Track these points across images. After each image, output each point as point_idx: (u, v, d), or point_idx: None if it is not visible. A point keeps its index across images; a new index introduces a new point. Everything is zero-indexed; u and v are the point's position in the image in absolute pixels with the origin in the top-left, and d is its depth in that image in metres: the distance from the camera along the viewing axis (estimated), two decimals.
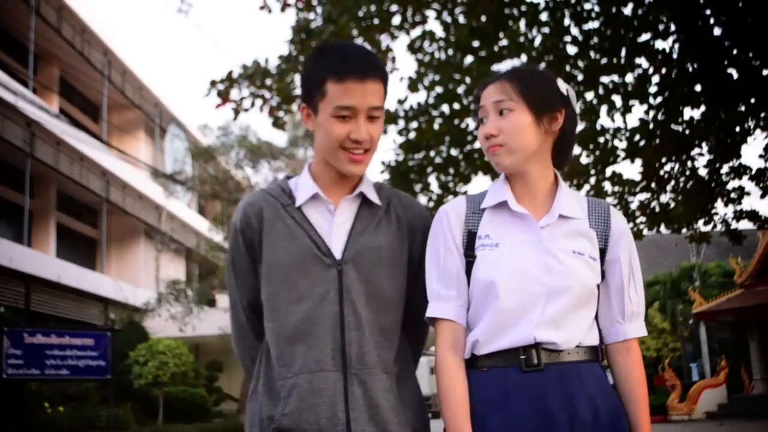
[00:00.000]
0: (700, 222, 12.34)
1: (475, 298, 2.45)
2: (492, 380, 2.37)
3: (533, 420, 2.28)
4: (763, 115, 10.74)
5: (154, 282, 32.70)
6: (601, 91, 10.55)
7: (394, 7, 10.66)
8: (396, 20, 10.74)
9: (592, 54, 9.78)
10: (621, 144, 10.88)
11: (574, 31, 10.05)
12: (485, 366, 2.40)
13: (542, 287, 2.36)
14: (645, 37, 10.14)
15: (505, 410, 2.32)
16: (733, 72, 9.98)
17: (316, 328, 2.41)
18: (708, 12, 9.65)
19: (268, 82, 10.29)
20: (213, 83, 10.47)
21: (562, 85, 2.54)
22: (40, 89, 25.01)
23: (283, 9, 10.53)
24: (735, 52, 9.92)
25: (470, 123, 11.41)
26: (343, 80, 2.42)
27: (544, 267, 2.38)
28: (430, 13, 10.90)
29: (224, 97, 10.62)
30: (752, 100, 10.20)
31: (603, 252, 2.48)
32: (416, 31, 10.96)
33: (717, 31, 9.93)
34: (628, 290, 2.48)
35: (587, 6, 10.01)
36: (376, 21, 10.53)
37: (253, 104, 10.51)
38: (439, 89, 11.21)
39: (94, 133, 29.25)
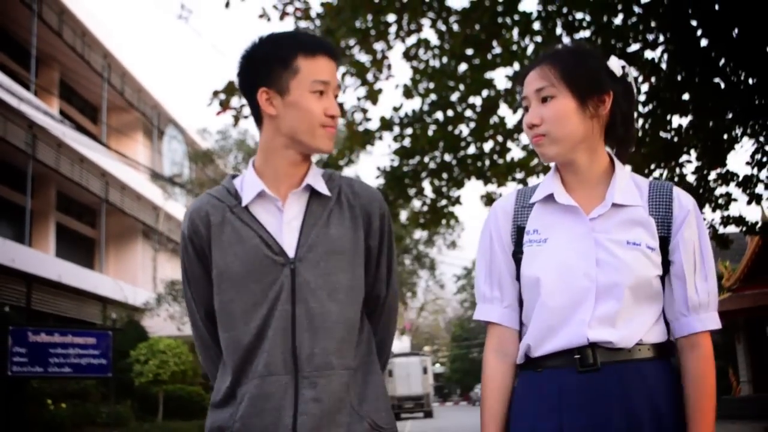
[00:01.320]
0: None
1: (525, 297, 2.36)
2: (546, 381, 2.26)
3: (589, 422, 2.17)
4: (750, 123, 11.05)
5: (152, 281, 32.92)
6: None
7: (390, 18, 10.98)
8: (392, 29, 10.98)
9: None
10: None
11: (566, 40, 10.24)
12: (540, 367, 2.29)
13: (592, 283, 2.23)
14: (635, 47, 10.41)
15: (559, 412, 2.21)
16: (720, 82, 10.22)
17: (270, 331, 2.34)
18: (695, 23, 9.86)
19: None
20: (215, 93, 10.80)
21: (614, 63, 2.39)
22: (41, 91, 25.25)
23: (281, 18, 10.82)
24: (722, 62, 10.14)
25: (463, 129, 11.84)
26: (315, 56, 2.40)
27: (593, 261, 2.26)
28: (426, 22, 11.17)
29: (225, 105, 10.92)
30: (739, 109, 10.45)
31: (665, 240, 2.31)
32: (412, 39, 11.32)
33: (704, 42, 10.12)
34: (693, 278, 2.28)
35: (578, 15, 10.25)
36: (372, 32, 10.85)
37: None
38: (433, 96, 11.53)
39: (93, 135, 29.44)
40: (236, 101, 10.82)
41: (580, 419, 2.17)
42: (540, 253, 2.30)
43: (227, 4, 10.23)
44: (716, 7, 9.19)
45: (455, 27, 10.99)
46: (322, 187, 2.48)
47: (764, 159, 11.66)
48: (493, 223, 2.46)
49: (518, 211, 2.43)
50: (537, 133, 2.32)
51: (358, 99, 11.68)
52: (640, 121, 10.89)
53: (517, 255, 2.38)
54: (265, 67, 2.40)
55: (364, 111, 11.77)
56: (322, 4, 10.55)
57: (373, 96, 11.45)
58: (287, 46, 2.41)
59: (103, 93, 29.24)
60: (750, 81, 10.28)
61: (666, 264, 2.29)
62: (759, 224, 12.86)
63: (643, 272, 2.22)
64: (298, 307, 2.34)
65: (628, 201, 2.31)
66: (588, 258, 2.25)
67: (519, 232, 2.40)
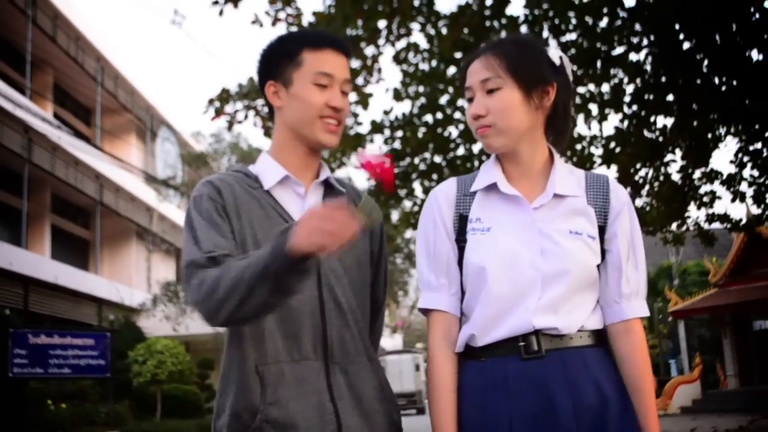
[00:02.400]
0: (674, 225, 12.80)
1: (468, 285, 2.33)
2: (491, 370, 2.24)
3: (536, 409, 2.16)
4: (733, 124, 11.29)
5: (146, 282, 33.07)
6: (578, 100, 10.82)
7: (381, 24, 11.16)
8: (382, 33, 10.95)
9: None
10: (597, 151, 11.14)
11: (553, 43, 10.44)
12: (483, 356, 2.27)
13: (537, 272, 2.22)
14: (620, 50, 10.48)
15: (506, 400, 2.19)
16: (702, 84, 10.33)
17: (296, 315, 2.30)
18: (678, 27, 9.95)
19: (261, 100, 10.33)
20: (211, 101, 10.94)
21: (554, 54, 2.39)
22: (35, 95, 25.43)
23: (273, 24, 10.95)
24: (704, 66, 10.25)
25: (453, 131, 11.78)
26: (320, 49, 2.42)
27: (538, 250, 2.25)
28: (415, 26, 11.08)
29: (219, 111, 10.94)
30: (721, 111, 10.60)
31: (602, 229, 2.32)
32: (401, 43, 11.22)
33: (687, 45, 10.21)
34: (626, 268, 2.32)
35: (565, 19, 10.24)
36: (363, 37, 11.00)
37: (246, 116, 10.85)
38: (423, 99, 11.52)
39: (86, 137, 29.58)
40: (230, 107, 10.98)
41: (528, 407, 2.16)
42: (484, 242, 2.28)
43: (221, 13, 10.36)
44: (698, 12, 9.30)
45: (444, 31, 10.96)
46: (337, 184, 2.51)
47: (745, 159, 11.87)
48: (436, 209, 2.40)
49: (460, 199, 2.40)
50: (482, 124, 2.30)
51: (350, 103, 11.78)
52: (626, 122, 11.04)
53: (460, 243, 2.35)
54: (273, 61, 2.46)
55: (355, 115, 11.96)
56: (314, 14, 10.70)
57: (363, 101, 11.65)
58: (294, 41, 2.45)
59: (97, 96, 29.40)
60: (732, 83, 10.39)
61: (603, 252, 2.32)
62: (743, 221, 13.15)
63: (585, 261, 2.25)
64: (324, 293, 2.34)
65: (569, 191, 2.33)
66: (533, 247, 2.25)
67: (462, 220, 2.37)
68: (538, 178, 2.35)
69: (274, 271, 2.04)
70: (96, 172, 27.94)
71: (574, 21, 10.33)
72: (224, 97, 10.86)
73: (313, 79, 2.38)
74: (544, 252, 2.24)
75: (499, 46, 2.35)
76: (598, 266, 2.30)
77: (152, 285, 32.55)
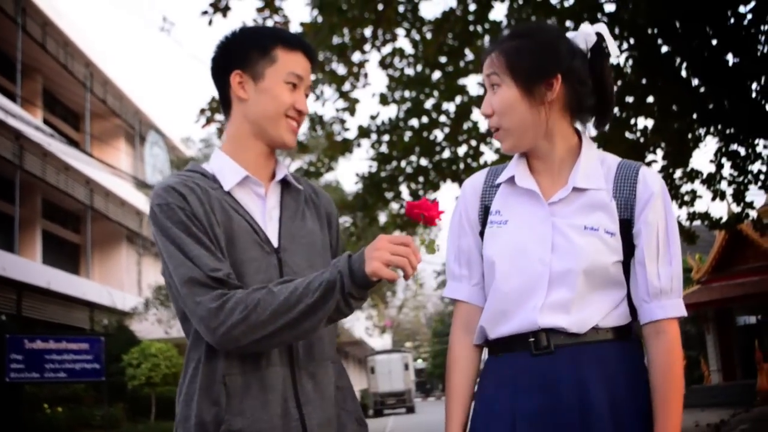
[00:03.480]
0: None
1: (486, 278, 2.33)
2: (504, 365, 2.24)
3: (540, 405, 2.12)
4: (712, 125, 11.44)
5: (137, 285, 33.23)
6: None
7: (367, 32, 11.31)
8: (367, 32, 11.24)
9: None
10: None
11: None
12: (500, 351, 2.26)
13: (545, 268, 2.17)
14: None
15: (513, 394, 2.18)
16: (680, 87, 10.59)
17: None
18: (655, 31, 10.24)
19: None
20: (202, 111, 11.21)
21: (580, 36, 2.30)
22: (25, 101, 25.60)
23: None
24: (682, 68, 10.61)
25: (438, 135, 12.15)
26: (294, 50, 2.40)
27: (549, 246, 2.19)
28: (400, 32, 11.43)
29: (210, 120, 11.24)
30: (701, 112, 10.86)
31: (627, 223, 2.21)
32: (387, 48, 11.57)
33: (665, 49, 10.59)
34: (655, 263, 2.18)
35: (546, 23, 10.67)
36: (349, 45, 11.19)
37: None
38: (408, 104, 11.85)
39: (76, 142, 29.85)
40: (220, 116, 11.17)
41: (532, 401, 2.13)
42: (499, 235, 2.25)
43: (210, 22, 10.54)
44: (674, 17, 9.60)
45: (428, 36, 11.26)
46: (295, 182, 2.48)
47: (723, 160, 12.26)
48: (462, 201, 2.41)
49: (486, 190, 2.38)
50: (492, 125, 2.28)
51: (337, 110, 12.00)
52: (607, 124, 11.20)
53: (483, 234, 2.34)
54: (242, 52, 2.39)
55: (343, 122, 12.16)
56: (302, 24, 10.90)
57: (351, 108, 11.86)
58: (268, 36, 2.41)
59: (86, 102, 29.54)
60: (709, 86, 10.65)
61: (630, 248, 2.20)
62: (723, 219, 13.42)
63: (599, 258, 2.16)
64: None
65: (591, 184, 2.23)
66: (544, 243, 2.19)
67: (485, 212, 2.35)
68: (562, 171, 2.29)
69: (343, 295, 2.08)
70: (86, 177, 28.05)
71: (555, 25, 10.50)
72: (214, 106, 11.02)
73: (286, 78, 2.37)
74: (555, 248, 2.19)
75: (503, 41, 2.29)
76: (626, 263, 2.21)
77: (143, 288, 32.69)
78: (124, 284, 32.08)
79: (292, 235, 2.37)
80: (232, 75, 2.38)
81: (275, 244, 2.33)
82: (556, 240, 2.19)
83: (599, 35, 2.29)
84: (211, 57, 2.46)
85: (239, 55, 2.39)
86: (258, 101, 2.37)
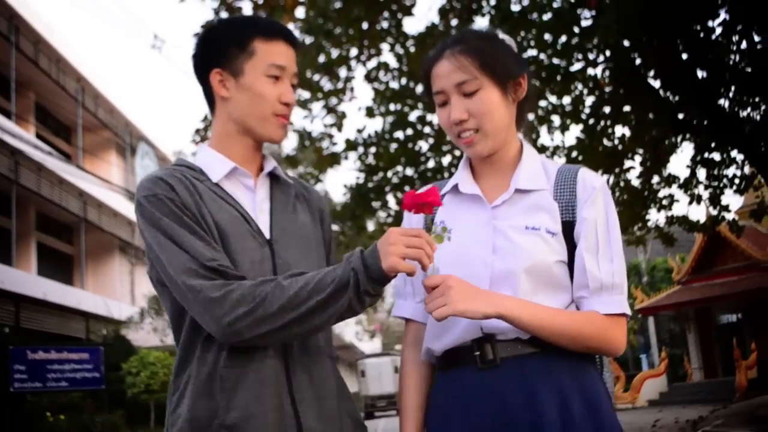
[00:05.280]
0: (636, 227, 13.30)
1: None
2: (452, 382, 2.14)
3: (492, 422, 2.03)
4: (686, 134, 11.78)
5: (129, 295, 33.45)
6: (540, 112, 11.43)
7: (353, 52, 11.51)
8: (353, 52, 11.51)
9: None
10: (560, 160, 11.50)
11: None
12: (447, 367, 2.18)
13: (486, 269, 2.09)
14: (578, 65, 10.97)
15: (464, 412, 2.08)
16: (653, 99, 10.92)
17: None
18: (628, 44, 10.42)
19: None
20: (197, 131, 11.51)
21: (511, 43, 2.28)
22: (18, 117, 25.91)
23: None
24: (656, 81, 10.92)
25: (423, 146, 12.39)
26: (272, 40, 2.28)
27: (490, 248, 2.12)
28: (385, 47, 11.65)
29: (203, 138, 11.48)
30: (674, 122, 11.16)
31: (570, 224, 2.14)
32: (372, 63, 11.80)
33: (639, 62, 10.83)
34: (595, 258, 2.11)
35: (528, 35, 10.75)
36: (335, 62, 11.34)
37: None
38: (394, 116, 12.07)
39: (68, 155, 30.13)
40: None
41: (483, 418, 2.05)
42: (443, 245, 2.08)
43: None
44: (643, 32, 9.75)
45: (412, 50, 11.43)
46: (284, 176, 2.41)
47: (697, 168, 12.59)
48: (407, 217, 2.35)
49: None
50: (465, 128, 2.17)
51: (325, 126, 12.26)
52: (584, 134, 11.58)
53: None
54: (220, 48, 2.29)
55: (331, 137, 12.41)
56: None
57: (338, 123, 12.12)
58: (244, 28, 2.30)
59: (78, 119, 29.85)
60: (678, 99, 11.09)
61: (572, 249, 2.14)
62: (701, 222, 13.70)
63: (540, 257, 2.09)
64: None
65: (533, 185, 2.19)
66: (485, 245, 2.13)
67: (429, 225, 2.29)
68: (506, 174, 2.24)
69: (357, 292, 2.01)
70: (79, 190, 28.32)
71: (534, 38, 10.80)
72: (208, 125, 11.21)
73: (266, 71, 2.26)
74: (495, 249, 2.12)
75: (466, 41, 2.21)
76: (569, 264, 2.14)
77: (136, 297, 33.01)
78: (116, 294, 32.27)
79: (284, 227, 2.29)
80: (211, 74, 2.31)
81: (267, 235, 2.25)
82: (497, 241, 2.13)
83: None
84: (191, 54, 2.37)
85: (217, 52, 2.30)
86: (241, 99, 2.28)
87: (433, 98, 2.25)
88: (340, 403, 2.26)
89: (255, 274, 2.14)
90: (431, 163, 12.79)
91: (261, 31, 2.29)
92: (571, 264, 2.14)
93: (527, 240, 2.10)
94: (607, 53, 10.93)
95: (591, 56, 11.04)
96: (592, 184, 2.17)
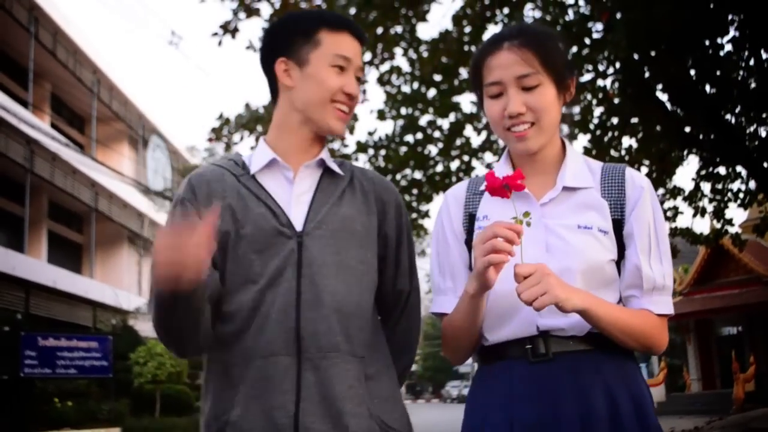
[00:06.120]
0: None
1: None
2: (498, 374, 2.12)
3: (539, 414, 2.01)
4: (692, 149, 11.84)
5: (137, 285, 33.68)
6: None
7: (367, 56, 11.91)
8: (367, 57, 11.37)
9: None
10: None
11: None
12: (493, 360, 2.16)
13: (533, 262, 1.98)
14: (588, 76, 10.94)
15: (509, 405, 2.05)
16: (661, 112, 10.92)
17: (268, 308, 2.15)
18: (637, 58, 10.30)
19: (260, 128, 11.04)
20: (214, 130, 11.46)
21: (563, 45, 2.25)
22: (34, 107, 26.14)
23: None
24: (664, 95, 10.95)
25: (432, 149, 12.46)
26: (339, 31, 2.29)
27: (544, 246, 2.09)
28: (398, 51, 11.67)
29: (218, 137, 11.60)
30: (680, 137, 11.24)
31: (619, 223, 2.13)
32: (385, 66, 11.82)
33: (648, 74, 10.71)
34: (648, 259, 2.10)
35: None
36: None
37: (242, 138, 11.40)
38: (404, 120, 12.18)
39: (81, 145, 30.39)
40: (227, 130, 11.49)
41: (530, 412, 2.02)
42: None
43: (220, 43, 10.96)
44: (653, 46, 9.81)
45: (425, 55, 11.47)
46: (335, 166, 2.36)
47: (702, 183, 12.64)
48: (445, 211, 2.31)
49: (469, 198, 2.29)
50: (522, 120, 2.13)
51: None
52: (592, 144, 11.56)
53: (470, 243, 2.22)
54: (285, 38, 2.31)
55: (342, 139, 12.61)
56: None
57: (350, 126, 12.27)
58: (311, 20, 2.31)
59: (93, 111, 30.10)
60: (685, 114, 11.11)
61: (621, 247, 2.14)
62: (704, 235, 13.78)
63: (594, 257, 2.09)
64: (303, 284, 2.17)
65: (580, 183, 2.17)
66: (538, 244, 2.09)
67: (470, 220, 2.26)
68: (551, 172, 2.21)
69: (162, 309, 2.06)
70: (92, 180, 28.60)
71: None
72: (223, 125, 11.45)
73: (332, 61, 2.27)
74: (549, 248, 2.10)
75: (529, 35, 2.17)
76: (617, 263, 2.14)
77: (143, 288, 33.21)
78: (124, 284, 32.52)
79: (321, 219, 2.24)
80: (276, 63, 2.32)
81: (299, 228, 2.22)
82: (550, 240, 2.11)
83: None
84: (259, 46, 2.42)
85: (283, 42, 2.32)
86: (304, 88, 2.28)
87: (483, 90, 2.21)
88: (353, 405, 2.15)
89: (276, 268, 2.16)
90: (440, 167, 12.84)
91: (327, 22, 2.31)
92: (618, 262, 2.15)
93: (581, 239, 2.10)
94: (617, 65, 10.96)
95: (601, 68, 11.11)
96: (641, 184, 2.17)
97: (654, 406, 2.14)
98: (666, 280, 2.12)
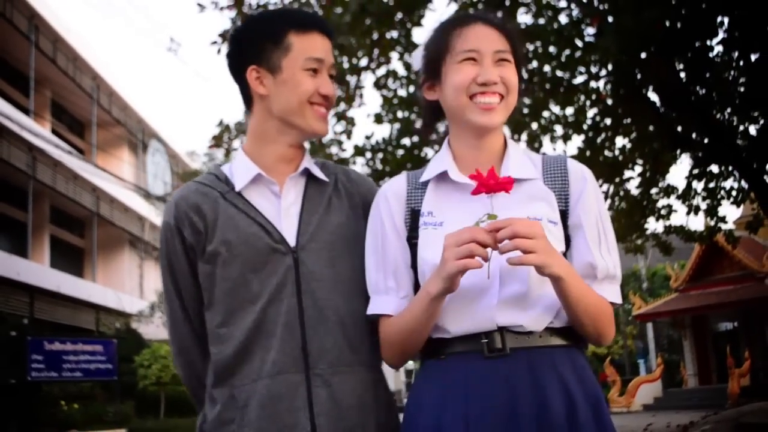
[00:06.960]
0: (634, 236, 13.40)
1: (423, 285, 2.05)
2: (452, 368, 2.03)
3: (495, 411, 1.94)
4: (683, 149, 11.88)
5: (138, 288, 33.75)
6: (543, 122, 11.46)
7: (363, 62, 11.60)
8: (363, 61, 11.55)
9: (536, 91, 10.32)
10: None
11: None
12: (444, 354, 2.06)
13: (494, 261, 1.92)
14: (581, 78, 11.09)
15: (464, 400, 1.97)
16: (653, 114, 11.06)
17: (272, 326, 2.12)
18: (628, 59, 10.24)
19: None
20: (215, 137, 11.56)
21: None
22: (36, 114, 26.31)
23: None
24: (655, 96, 11.03)
25: (429, 152, 12.18)
26: (307, 32, 2.24)
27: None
28: (394, 55, 11.66)
29: (218, 143, 11.75)
30: (672, 138, 11.34)
31: (564, 214, 2.09)
32: (381, 71, 11.79)
33: (639, 76, 10.78)
34: (599, 248, 2.08)
35: (530, 47, 10.52)
36: (347, 70, 11.47)
37: (241, 144, 11.73)
38: (400, 124, 12.10)
39: (81, 150, 30.53)
40: (227, 137, 11.63)
41: (486, 408, 1.96)
42: (437, 236, 2.00)
43: (218, 51, 11.02)
44: (642, 47, 9.83)
45: None
46: (319, 173, 2.32)
47: (695, 182, 12.76)
48: (384, 207, 2.19)
49: (411, 193, 2.19)
50: (494, 91, 2.09)
51: (336, 133, 12.30)
52: (586, 144, 11.73)
53: (412, 240, 2.13)
54: (254, 45, 2.25)
55: (340, 143, 12.47)
56: None
57: (348, 131, 12.11)
58: (278, 23, 2.26)
59: (93, 116, 30.19)
60: (676, 116, 11.22)
61: (568, 238, 2.10)
62: (698, 232, 13.82)
63: None
64: (305, 300, 2.14)
65: (525, 174, 2.11)
66: None
67: (413, 215, 2.15)
68: (493, 163, 2.10)
69: None
70: (93, 185, 28.72)
71: (539, 50, 10.80)
72: (223, 132, 11.57)
73: (304, 65, 2.22)
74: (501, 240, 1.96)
75: (498, 20, 2.18)
76: (564, 254, 2.08)
77: (144, 291, 33.38)
78: (125, 287, 32.59)
79: (313, 231, 2.21)
80: (248, 71, 2.27)
81: (292, 243, 2.18)
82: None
83: None
84: (226, 53, 2.33)
85: (252, 49, 2.26)
86: (279, 95, 2.23)
87: (449, 56, 2.13)
88: (367, 416, 2.16)
89: (275, 286, 2.14)
90: None
91: (295, 24, 2.25)
92: (564, 253, 2.09)
93: None
94: (609, 67, 11.01)
95: (593, 69, 11.21)
96: (583, 174, 2.14)
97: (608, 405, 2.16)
98: (616, 270, 2.11)
